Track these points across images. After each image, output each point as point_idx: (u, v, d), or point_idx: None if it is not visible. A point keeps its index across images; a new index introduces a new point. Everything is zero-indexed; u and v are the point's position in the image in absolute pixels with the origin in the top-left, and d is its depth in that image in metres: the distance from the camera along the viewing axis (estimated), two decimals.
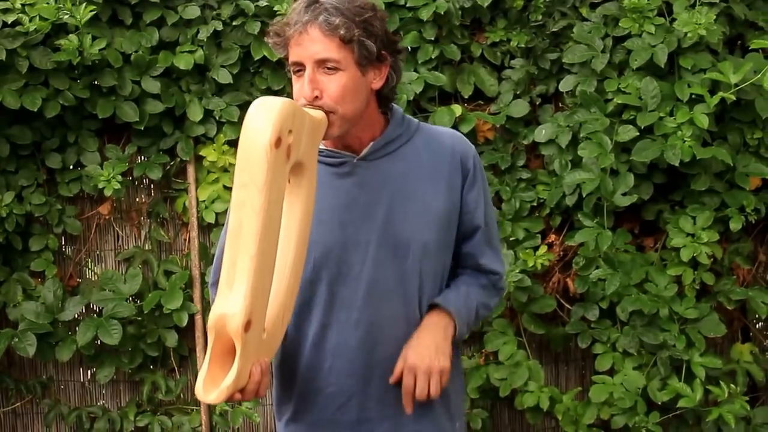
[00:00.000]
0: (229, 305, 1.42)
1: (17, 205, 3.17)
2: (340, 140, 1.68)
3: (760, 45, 2.91)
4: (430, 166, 1.73)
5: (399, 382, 1.68)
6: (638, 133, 2.99)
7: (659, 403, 3.05)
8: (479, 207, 1.78)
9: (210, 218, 3.28)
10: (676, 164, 2.92)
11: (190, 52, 3.21)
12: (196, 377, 3.34)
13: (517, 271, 3.06)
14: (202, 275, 3.32)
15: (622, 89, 3.05)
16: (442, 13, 3.12)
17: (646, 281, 3.07)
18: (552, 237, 3.24)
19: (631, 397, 3.03)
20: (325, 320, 1.70)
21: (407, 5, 3.16)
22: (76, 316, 3.28)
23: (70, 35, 3.04)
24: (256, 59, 3.22)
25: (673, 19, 3.01)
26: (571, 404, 3.16)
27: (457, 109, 3.16)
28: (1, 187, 3.19)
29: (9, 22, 3.03)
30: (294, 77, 1.62)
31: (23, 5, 3.05)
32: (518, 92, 3.25)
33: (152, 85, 3.19)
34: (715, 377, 3.10)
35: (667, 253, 3.14)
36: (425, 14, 3.13)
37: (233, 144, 3.28)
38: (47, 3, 3.04)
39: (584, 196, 3.04)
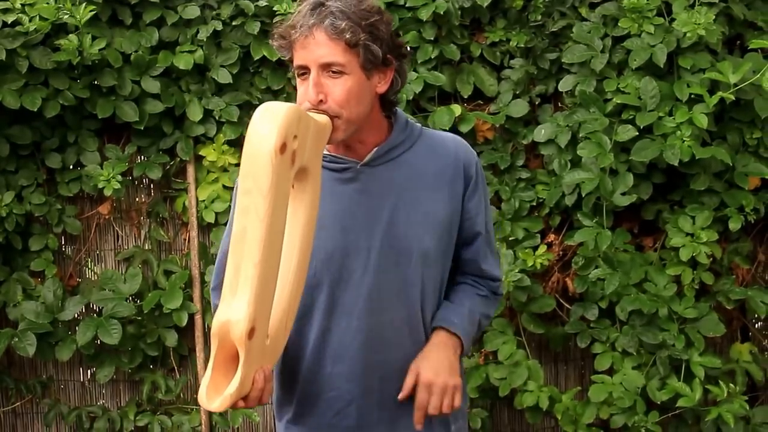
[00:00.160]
0: (232, 312, 1.41)
1: (17, 204, 3.17)
2: (344, 144, 1.67)
3: (759, 45, 2.91)
4: (433, 172, 1.73)
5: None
6: (637, 133, 2.99)
7: (658, 402, 3.05)
8: (480, 213, 1.79)
9: (210, 218, 3.28)
10: (676, 164, 2.92)
11: (190, 52, 3.21)
12: (195, 377, 3.36)
13: (517, 270, 3.06)
14: (202, 275, 3.33)
15: (622, 89, 3.05)
16: (442, 13, 3.12)
17: (645, 281, 3.07)
18: (551, 237, 3.25)
19: (631, 397, 3.03)
20: (326, 326, 1.69)
21: (407, 5, 3.16)
22: (76, 315, 3.28)
23: (70, 35, 3.04)
24: (255, 59, 3.22)
25: (673, 19, 3.01)
26: (570, 404, 3.16)
27: (457, 109, 3.17)
28: (1, 186, 3.20)
29: (9, 22, 3.03)
30: (298, 80, 1.61)
31: (23, 5, 3.05)
32: (518, 92, 3.25)
33: (152, 85, 3.19)
34: (715, 377, 3.10)
35: (667, 253, 3.15)
36: (425, 14, 3.13)
37: (233, 144, 3.28)
38: (47, 3, 3.04)
39: (583, 195, 3.04)
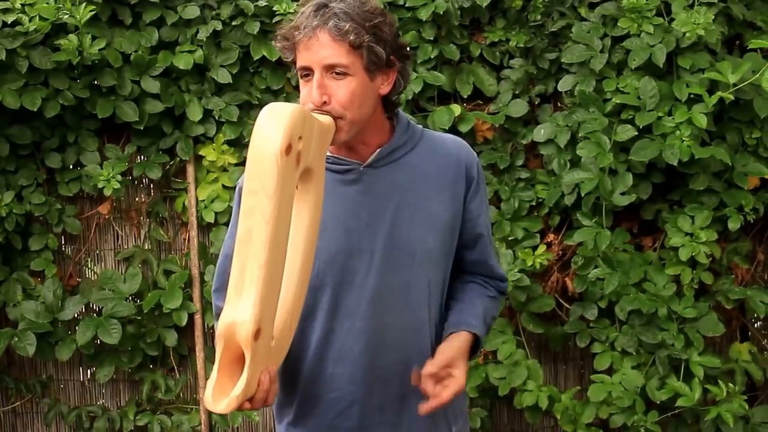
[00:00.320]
0: (238, 314, 1.41)
1: (17, 204, 3.18)
2: (346, 146, 1.67)
3: (758, 45, 2.91)
4: (435, 173, 1.73)
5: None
6: (637, 133, 2.99)
7: (658, 402, 3.05)
8: (482, 214, 1.80)
9: (209, 218, 3.29)
10: (675, 164, 2.92)
11: (190, 51, 3.21)
12: (195, 377, 3.37)
13: (516, 270, 3.06)
14: (202, 275, 3.33)
15: (621, 89, 3.05)
16: (441, 13, 3.12)
17: (644, 280, 3.07)
18: (551, 236, 3.25)
19: (630, 396, 3.04)
20: (329, 327, 1.69)
21: (406, 5, 3.17)
22: (76, 315, 3.28)
23: (70, 35, 3.05)
24: (255, 59, 3.23)
25: (672, 19, 3.01)
26: (569, 403, 3.17)
27: (456, 109, 3.17)
28: (1, 186, 3.20)
29: (9, 22, 3.03)
30: (301, 81, 1.61)
31: (23, 5, 3.06)
32: (517, 92, 3.25)
33: (152, 85, 3.19)
34: (714, 376, 3.11)
35: (666, 253, 3.15)
36: (424, 14, 3.13)
37: (233, 144, 3.29)
38: (47, 3, 3.05)
39: (583, 195, 3.04)
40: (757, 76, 2.89)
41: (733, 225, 3.04)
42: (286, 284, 1.52)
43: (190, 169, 3.33)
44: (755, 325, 3.49)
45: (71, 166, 3.30)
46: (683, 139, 2.94)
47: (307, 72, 1.59)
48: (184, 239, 3.40)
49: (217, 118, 3.27)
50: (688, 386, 3.01)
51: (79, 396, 3.47)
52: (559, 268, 3.26)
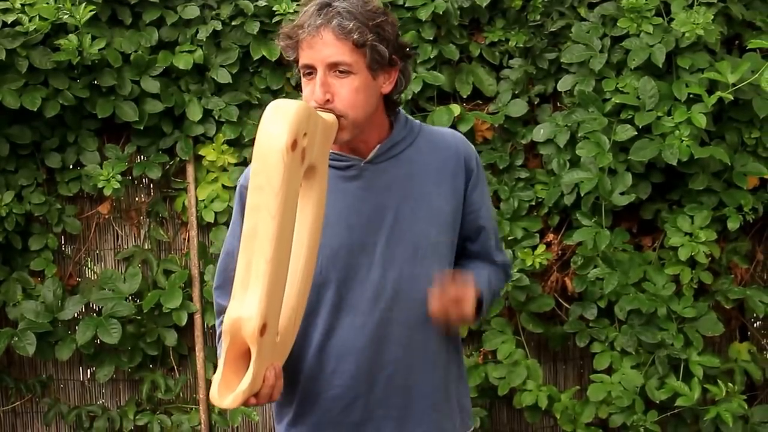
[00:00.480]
0: (244, 309, 1.41)
1: (17, 204, 3.18)
2: (348, 144, 1.68)
3: (757, 45, 2.92)
4: (435, 167, 1.74)
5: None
6: (636, 133, 2.99)
7: (657, 401, 3.06)
8: (483, 206, 1.81)
9: (209, 217, 3.29)
10: (674, 164, 2.93)
11: (190, 51, 3.21)
12: (195, 376, 3.37)
13: (516, 270, 3.07)
14: (202, 274, 3.33)
15: (620, 89, 3.05)
16: (441, 13, 3.13)
17: (644, 280, 3.08)
18: (550, 236, 3.25)
19: (629, 396, 3.04)
20: (331, 324, 1.70)
21: (406, 5, 3.17)
22: (76, 315, 3.28)
23: (70, 35, 3.05)
24: (255, 59, 3.23)
25: (671, 19, 3.01)
26: (569, 403, 3.17)
27: (456, 109, 3.17)
28: (1, 186, 3.20)
29: (9, 22, 3.03)
30: (304, 80, 1.62)
31: (23, 5, 3.06)
32: (517, 92, 3.26)
33: (152, 85, 3.19)
34: (713, 376, 3.11)
35: (665, 253, 3.15)
36: (424, 14, 3.13)
37: (232, 143, 3.29)
38: (47, 3, 3.05)
39: (582, 195, 3.04)
40: (757, 76, 2.89)
41: (733, 225, 3.04)
42: (290, 281, 1.53)
43: (190, 169, 3.34)
44: (754, 325, 3.49)
45: (71, 166, 3.30)
46: (682, 138, 2.94)
47: (310, 70, 1.60)
48: (184, 239, 3.40)
49: (216, 118, 3.27)
50: (687, 386, 3.02)
51: (78, 396, 3.47)
52: (559, 268, 3.26)
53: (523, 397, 3.14)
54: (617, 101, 3.02)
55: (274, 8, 3.15)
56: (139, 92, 3.20)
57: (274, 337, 1.48)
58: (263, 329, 1.42)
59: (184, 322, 3.25)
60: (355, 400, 1.71)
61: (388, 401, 1.72)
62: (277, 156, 1.40)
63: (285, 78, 3.24)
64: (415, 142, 1.75)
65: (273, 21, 3.17)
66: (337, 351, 1.70)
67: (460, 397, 1.84)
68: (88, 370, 3.45)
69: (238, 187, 1.76)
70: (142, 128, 3.22)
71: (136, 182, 3.42)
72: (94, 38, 3.09)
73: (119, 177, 3.18)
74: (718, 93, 2.92)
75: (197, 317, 3.32)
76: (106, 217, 3.38)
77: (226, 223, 3.18)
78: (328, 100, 1.58)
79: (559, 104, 3.29)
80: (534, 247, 3.18)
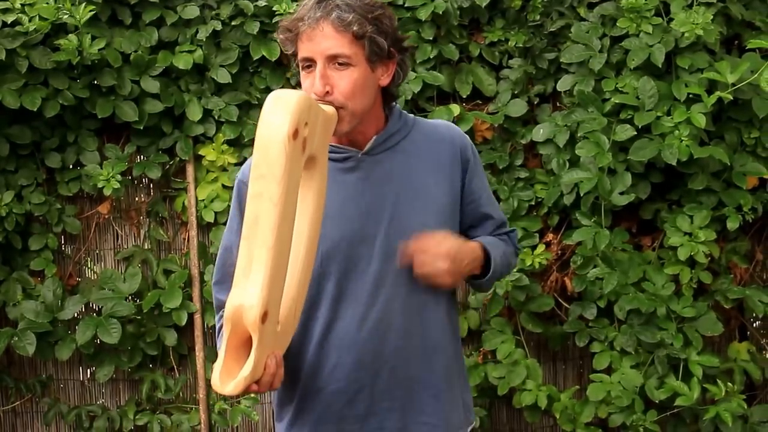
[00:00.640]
0: (246, 296, 1.42)
1: (17, 204, 3.18)
2: (347, 135, 1.70)
3: (757, 45, 2.92)
4: (431, 158, 1.76)
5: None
6: (636, 133, 3.00)
7: (657, 401, 3.06)
8: (483, 194, 1.84)
9: (209, 217, 3.29)
10: (674, 163, 2.93)
11: (190, 51, 3.21)
12: (195, 376, 3.37)
13: (515, 270, 3.07)
14: (201, 274, 3.33)
15: (620, 89, 3.06)
16: (441, 12, 3.13)
17: (643, 280, 3.08)
18: (550, 236, 3.25)
19: (629, 396, 3.04)
20: (332, 316, 1.70)
21: (405, 5, 3.17)
22: (76, 315, 3.28)
23: (70, 35, 3.05)
24: (255, 59, 3.23)
25: (671, 19, 3.01)
26: (568, 403, 3.17)
27: (456, 109, 3.17)
28: (1, 186, 3.20)
29: (9, 22, 3.03)
30: (303, 73, 1.64)
31: (23, 5, 3.06)
32: (516, 92, 3.26)
33: (151, 85, 3.19)
34: (713, 376, 3.11)
35: (665, 252, 3.15)
36: (423, 14, 3.14)
37: (232, 143, 3.29)
38: (47, 3, 3.05)
39: (582, 195, 3.05)
40: (756, 75, 2.90)
41: (732, 225, 3.05)
42: (290, 271, 1.54)
43: (190, 169, 3.34)
44: (754, 325, 3.49)
45: (71, 166, 3.30)
46: (682, 138, 2.94)
47: (310, 63, 1.62)
48: (184, 239, 3.41)
49: (216, 117, 3.27)
50: (686, 385, 3.02)
51: (78, 395, 3.47)
52: (558, 268, 3.26)
53: (522, 396, 3.14)
54: (617, 101, 3.02)
55: (274, 8, 3.15)
56: (138, 92, 3.20)
57: (275, 325, 1.49)
58: (264, 317, 1.43)
59: (184, 322, 3.25)
60: (359, 392, 1.72)
61: (392, 392, 1.72)
62: (278, 145, 1.41)
63: (285, 78, 3.25)
64: (410, 134, 1.77)
65: (273, 21, 3.17)
66: (338, 343, 1.70)
67: (462, 391, 1.85)
68: (88, 370, 3.45)
69: (236, 183, 1.78)
70: (141, 128, 3.22)
71: (135, 182, 3.42)
72: (94, 38, 3.09)
73: (119, 177, 3.19)
74: (718, 93, 2.92)
75: (197, 317, 3.32)
76: (106, 217, 3.38)
77: (226, 223, 3.18)
78: (327, 92, 1.59)
79: (558, 104, 3.30)
80: (533, 247, 3.18)
